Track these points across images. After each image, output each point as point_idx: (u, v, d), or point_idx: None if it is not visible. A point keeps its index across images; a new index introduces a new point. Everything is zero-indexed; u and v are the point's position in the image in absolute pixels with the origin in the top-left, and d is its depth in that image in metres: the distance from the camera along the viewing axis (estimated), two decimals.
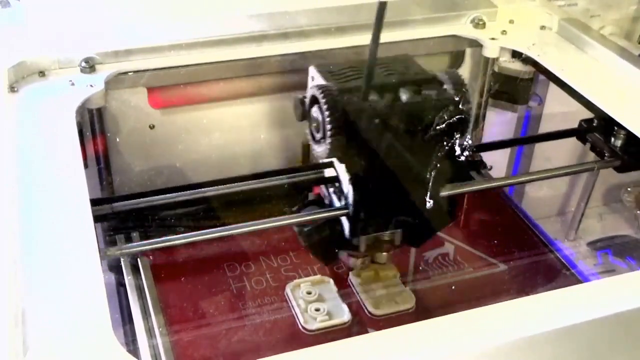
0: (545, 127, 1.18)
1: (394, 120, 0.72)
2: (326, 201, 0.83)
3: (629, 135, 0.87)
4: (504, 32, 1.00)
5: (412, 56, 0.83)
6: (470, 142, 0.92)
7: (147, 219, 0.87)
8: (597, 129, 0.95)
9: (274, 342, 0.79)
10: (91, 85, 0.83)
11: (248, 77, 0.95)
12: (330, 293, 0.85)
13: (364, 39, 0.94)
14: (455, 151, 0.76)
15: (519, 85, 1.03)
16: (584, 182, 1.23)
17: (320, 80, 0.77)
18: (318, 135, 0.74)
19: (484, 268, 0.90)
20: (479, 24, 1.00)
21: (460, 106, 0.74)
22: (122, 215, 0.91)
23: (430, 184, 0.76)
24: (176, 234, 0.86)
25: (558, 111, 1.15)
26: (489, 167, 1.03)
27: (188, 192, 0.82)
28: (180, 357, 0.75)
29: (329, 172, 0.82)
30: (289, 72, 0.95)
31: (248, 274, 0.88)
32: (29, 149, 0.72)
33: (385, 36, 0.95)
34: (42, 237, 0.61)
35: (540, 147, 1.20)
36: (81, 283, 0.57)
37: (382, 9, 0.69)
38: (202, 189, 0.82)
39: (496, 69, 1.03)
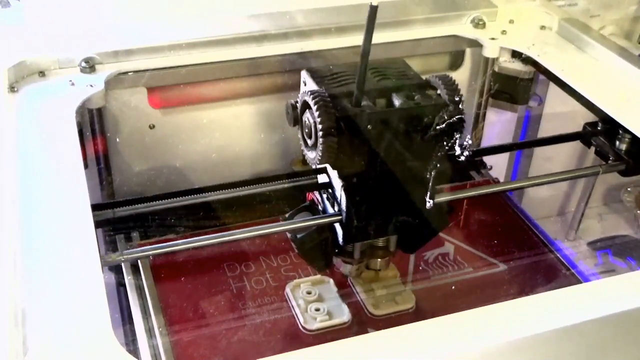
0: (545, 127, 1.17)
1: (386, 126, 0.72)
2: (319, 207, 0.82)
3: (634, 138, 0.86)
4: (504, 32, 1.00)
5: (405, 60, 0.82)
6: (470, 143, 0.92)
7: (147, 220, 0.87)
8: (602, 132, 0.95)
9: (274, 342, 0.79)
10: (91, 85, 0.83)
11: (248, 77, 0.95)
12: (330, 293, 0.85)
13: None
14: (450, 155, 0.75)
15: (519, 85, 1.03)
16: (584, 182, 1.24)
17: (312, 85, 0.76)
18: (310, 141, 0.73)
19: (484, 268, 0.90)
20: (479, 24, 1.00)
21: (453, 110, 0.73)
22: (122, 216, 0.91)
23: (424, 189, 0.76)
24: (175, 234, 0.86)
25: (558, 111, 1.15)
26: (489, 167, 1.03)
27: (180, 198, 0.82)
28: (180, 357, 0.75)
29: (322, 178, 0.81)
30: (289, 72, 0.95)
31: (248, 274, 0.88)
32: (29, 149, 0.72)
33: (386, 36, 0.96)
34: (42, 237, 0.61)
35: (541, 148, 1.20)
36: (81, 283, 0.57)
37: (373, 12, 0.69)
38: (195, 195, 0.83)
39: (496, 69, 1.03)
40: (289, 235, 0.80)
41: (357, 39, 0.95)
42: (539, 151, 1.21)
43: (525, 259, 0.94)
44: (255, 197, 0.85)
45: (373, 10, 0.68)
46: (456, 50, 1.04)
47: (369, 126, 0.70)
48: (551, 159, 1.22)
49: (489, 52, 0.99)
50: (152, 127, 0.93)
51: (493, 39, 0.99)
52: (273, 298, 0.85)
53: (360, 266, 0.83)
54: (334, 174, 0.77)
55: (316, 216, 0.80)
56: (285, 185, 0.85)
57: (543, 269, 0.93)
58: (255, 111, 0.98)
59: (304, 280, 0.86)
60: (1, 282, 0.56)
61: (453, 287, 0.86)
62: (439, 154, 0.74)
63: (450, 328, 0.55)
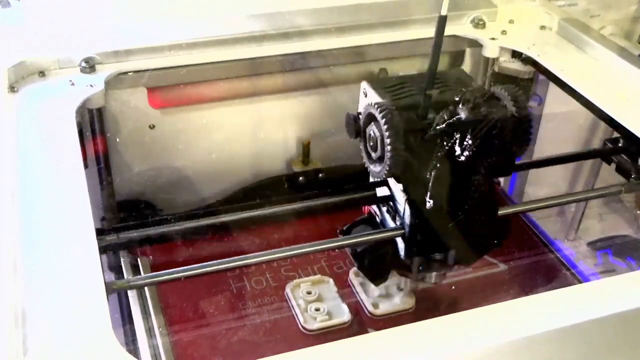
0: (545, 127, 1.17)
1: (452, 139, 0.69)
2: (377, 220, 0.80)
3: None
4: (504, 32, 1.00)
5: (465, 71, 0.81)
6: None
7: (147, 219, 0.87)
8: (623, 149, 0.92)
9: (274, 342, 0.79)
10: (91, 85, 0.83)
11: (248, 77, 0.95)
12: (330, 293, 0.85)
13: (364, 39, 0.96)
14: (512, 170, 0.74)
15: (519, 85, 1.03)
16: (585, 182, 1.24)
17: (375, 97, 0.75)
18: (375, 154, 0.71)
19: (484, 268, 0.90)
20: (479, 24, 1.00)
21: (521, 122, 0.71)
22: (122, 216, 0.91)
23: (487, 203, 0.74)
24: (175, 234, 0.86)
25: (558, 111, 1.15)
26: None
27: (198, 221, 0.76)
28: (180, 357, 0.75)
29: (381, 191, 0.79)
30: (289, 72, 0.95)
31: (248, 274, 0.88)
32: (29, 149, 0.72)
33: (386, 36, 0.96)
34: (42, 238, 0.61)
35: (540, 146, 1.19)
36: (81, 283, 0.57)
37: (442, 23, 0.66)
38: (242, 212, 0.77)
39: (496, 69, 1.03)
40: (348, 250, 0.79)
41: (357, 39, 0.96)
42: (538, 152, 1.21)
43: (525, 259, 0.94)
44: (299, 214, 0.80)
45: (442, 20, 0.67)
46: (456, 50, 1.04)
47: (438, 140, 0.69)
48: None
49: (489, 52, 0.99)
50: (152, 127, 0.93)
51: (493, 39, 0.99)
52: (273, 298, 0.85)
53: (417, 280, 0.81)
54: (396, 187, 0.75)
55: (378, 230, 0.78)
56: (345, 198, 0.81)
57: (543, 269, 0.94)
58: (255, 111, 0.98)
59: (304, 280, 0.86)
60: (1, 282, 0.56)
61: (453, 287, 0.86)
62: (508, 167, 0.73)
63: (450, 328, 0.55)
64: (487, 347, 0.54)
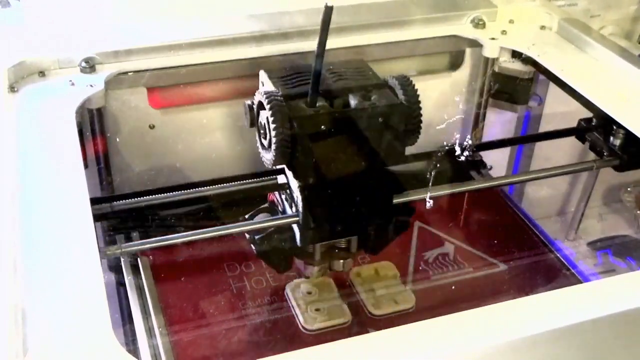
0: (545, 127, 1.17)
1: (340, 126, 0.71)
2: (279, 208, 0.81)
3: (628, 134, 0.86)
4: (504, 32, 1.00)
5: (366, 61, 0.82)
6: (470, 142, 0.92)
7: (147, 219, 0.87)
8: (596, 128, 0.95)
9: (274, 342, 0.79)
10: (91, 85, 0.83)
11: (248, 77, 0.95)
12: (330, 293, 0.85)
13: (364, 39, 0.96)
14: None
15: (519, 85, 1.03)
16: (584, 182, 1.24)
17: (269, 86, 0.76)
18: (265, 142, 0.73)
19: (484, 268, 0.90)
20: (479, 24, 1.00)
21: (408, 110, 0.73)
22: (122, 215, 0.91)
23: (380, 190, 0.75)
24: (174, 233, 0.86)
25: (558, 111, 1.15)
26: (489, 167, 1.03)
27: (167, 194, 0.84)
28: (180, 357, 0.75)
29: (282, 179, 0.80)
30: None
31: (248, 274, 0.88)
32: (29, 149, 0.72)
33: (386, 36, 0.96)
34: (42, 237, 0.61)
35: (540, 147, 1.20)
36: (81, 283, 0.57)
37: (328, 13, 0.68)
38: (176, 192, 0.84)
39: (496, 69, 1.03)
40: (247, 236, 0.79)
41: (357, 39, 0.96)
42: (538, 152, 1.21)
43: (525, 259, 0.94)
44: (223, 197, 0.85)
45: (328, 10, 0.68)
46: (456, 50, 1.04)
47: (322, 127, 0.70)
48: (550, 159, 1.22)
49: (489, 52, 0.99)
50: (152, 127, 0.93)
51: (493, 39, 0.99)
52: (273, 298, 0.85)
53: (322, 268, 0.82)
54: (290, 174, 0.76)
55: (274, 217, 0.79)
56: (246, 186, 0.85)
57: (543, 269, 0.94)
58: None
59: (304, 280, 0.86)
60: (1, 282, 0.56)
61: (453, 287, 0.86)
62: (397, 154, 0.74)
63: (450, 328, 0.55)
64: (487, 347, 0.54)
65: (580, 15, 1.05)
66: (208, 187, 0.87)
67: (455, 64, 1.06)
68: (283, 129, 0.69)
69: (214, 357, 0.77)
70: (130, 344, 0.72)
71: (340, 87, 0.75)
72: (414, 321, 0.55)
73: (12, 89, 0.81)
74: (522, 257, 0.93)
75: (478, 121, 1.10)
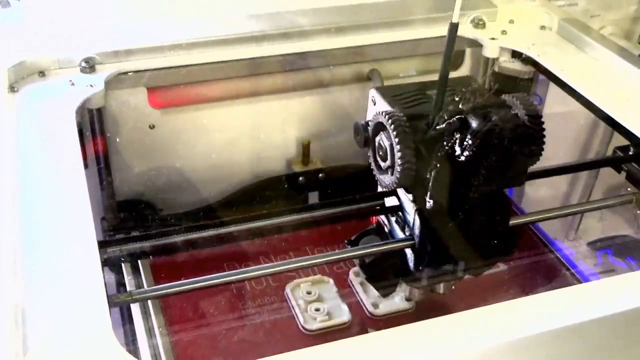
0: (545, 127, 1.17)
1: (463, 150, 0.67)
2: (386, 230, 0.79)
3: None
4: (504, 32, 1.00)
5: (474, 78, 0.79)
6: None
7: (147, 219, 0.87)
8: (634, 157, 0.90)
9: (274, 342, 0.79)
10: (91, 85, 0.83)
11: (248, 77, 0.95)
12: (330, 293, 0.85)
13: (364, 39, 0.96)
14: (523, 179, 0.71)
15: (519, 85, 1.03)
16: (584, 182, 1.23)
17: (384, 105, 0.73)
18: (384, 164, 0.70)
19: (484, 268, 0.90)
20: (479, 24, 1.00)
21: (533, 131, 0.69)
22: (122, 216, 0.92)
23: (498, 212, 0.72)
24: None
25: (558, 111, 1.15)
26: None
27: (201, 232, 0.75)
28: (180, 357, 0.75)
29: (389, 201, 0.78)
30: (289, 72, 0.95)
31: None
32: (29, 149, 0.72)
33: (386, 36, 0.96)
34: (42, 237, 0.61)
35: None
36: (81, 283, 0.57)
37: (453, 30, 0.65)
38: (215, 230, 0.75)
39: (496, 69, 1.03)
40: (356, 261, 0.78)
41: (358, 39, 0.96)
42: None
43: (525, 259, 0.94)
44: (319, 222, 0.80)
45: (453, 28, 0.65)
46: (456, 50, 1.04)
47: (446, 149, 0.67)
48: (551, 160, 1.22)
49: (489, 52, 0.99)
50: (152, 127, 0.93)
51: (493, 39, 0.99)
52: (273, 298, 0.85)
53: (426, 290, 0.81)
54: (405, 197, 0.74)
55: (387, 241, 0.77)
56: (353, 208, 0.80)
57: (543, 269, 0.93)
58: (255, 111, 0.98)
59: (304, 280, 0.86)
60: (1, 282, 0.56)
61: (453, 287, 0.86)
62: (519, 177, 0.71)
63: (450, 328, 0.55)
64: (487, 347, 0.54)
65: (580, 15, 1.05)
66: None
67: (455, 64, 1.06)
68: (409, 152, 0.66)
69: (214, 357, 0.77)
70: (130, 344, 0.72)
71: (459, 108, 0.70)
72: (414, 321, 0.55)
73: (12, 89, 0.81)
74: (522, 257, 0.93)
75: None
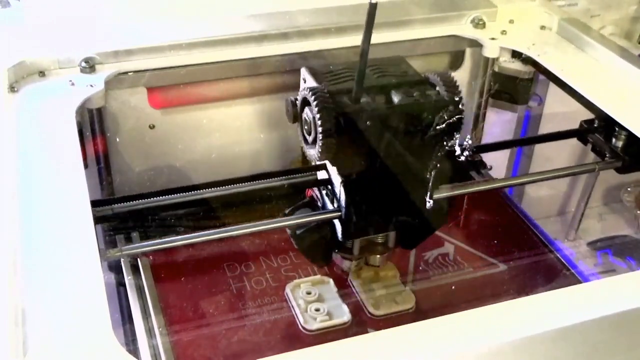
0: (545, 127, 1.18)
1: (385, 123, 0.72)
2: (319, 203, 0.82)
3: (630, 135, 0.87)
4: (504, 32, 1.00)
5: (405, 57, 0.82)
6: (470, 142, 0.92)
7: (147, 219, 0.87)
8: (598, 129, 0.95)
9: (274, 342, 0.79)
10: (91, 85, 0.83)
11: (248, 77, 0.95)
12: (330, 293, 0.84)
13: None
14: (448, 152, 0.75)
15: (519, 85, 1.03)
16: (584, 182, 1.24)
17: (312, 82, 0.77)
18: (310, 138, 0.73)
19: (484, 268, 0.90)
20: (479, 24, 1.00)
21: (453, 108, 0.73)
22: (122, 216, 0.91)
23: (423, 186, 0.76)
24: (176, 234, 0.86)
25: (558, 111, 1.15)
26: (489, 167, 1.03)
27: (181, 194, 0.82)
28: (180, 357, 0.75)
29: (321, 175, 0.82)
30: (289, 72, 0.95)
31: (248, 274, 0.88)
32: (29, 149, 0.72)
33: (385, 36, 0.96)
34: (42, 237, 0.61)
35: (541, 148, 1.20)
36: (81, 283, 0.57)
37: (372, 9, 0.69)
38: (195, 191, 0.82)
39: (496, 69, 1.03)
40: (288, 231, 0.81)
41: (357, 39, 0.95)
42: (539, 151, 1.21)
43: (525, 259, 0.94)
44: (255, 195, 0.85)
45: (372, 7, 0.68)
46: (456, 50, 1.04)
47: (368, 123, 0.71)
48: (551, 160, 1.22)
49: (489, 52, 0.99)
50: (152, 127, 0.93)
51: (493, 39, 0.99)
52: (273, 298, 0.85)
53: (359, 262, 0.84)
54: (333, 170, 0.77)
55: (316, 212, 0.80)
56: (285, 182, 0.85)
57: (543, 269, 0.93)
58: (255, 111, 0.98)
59: (304, 281, 0.86)
60: (1, 282, 0.56)
61: (453, 287, 0.86)
62: (438, 152, 0.74)
63: (450, 328, 0.55)
64: (487, 347, 0.54)
65: (580, 15, 1.05)
66: (212, 189, 0.85)
67: (455, 64, 1.06)
68: (330, 124, 0.70)
69: (214, 357, 0.77)
70: (130, 344, 0.72)
71: (382, 84, 0.75)
72: (414, 321, 0.55)
73: (12, 89, 0.81)
74: (522, 257, 0.93)
75: (478, 121, 1.10)
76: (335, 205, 0.78)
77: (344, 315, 0.82)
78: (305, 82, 0.79)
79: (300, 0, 0.96)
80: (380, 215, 0.77)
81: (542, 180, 0.94)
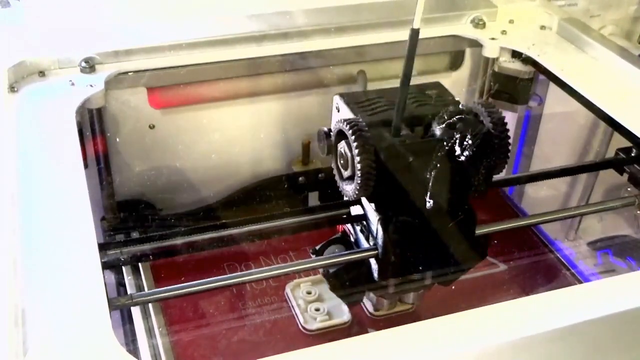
0: (545, 127, 1.17)
1: (427, 158, 0.66)
2: (351, 238, 0.77)
3: None
4: (504, 32, 1.00)
5: (442, 84, 0.78)
6: (470, 142, 0.90)
7: (147, 219, 0.87)
8: (636, 159, 0.90)
9: (274, 342, 0.79)
10: (91, 85, 0.83)
11: (248, 77, 0.95)
12: (330, 293, 0.84)
13: (364, 39, 0.96)
14: (487, 189, 0.70)
15: (519, 85, 1.03)
16: (584, 182, 1.23)
17: (347, 112, 0.72)
18: (346, 173, 0.69)
19: (484, 268, 0.90)
20: (479, 24, 1.00)
21: (498, 141, 0.68)
22: (122, 216, 0.92)
23: (465, 220, 0.71)
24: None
25: (558, 111, 1.15)
26: None
27: (205, 233, 0.77)
28: (180, 357, 0.75)
29: (355, 210, 0.77)
30: (289, 72, 0.95)
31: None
32: (29, 149, 0.72)
33: (385, 36, 0.96)
34: (42, 237, 0.61)
35: (540, 147, 1.19)
36: (81, 283, 0.57)
37: (415, 35, 0.64)
38: (219, 231, 0.77)
39: (496, 69, 1.03)
40: (321, 270, 0.76)
41: (357, 39, 0.96)
42: (538, 151, 1.21)
43: (525, 259, 0.94)
44: (283, 232, 0.80)
45: (415, 33, 0.64)
46: (456, 50, 1.04)
47: (409, 158, 0.66)
48: (550, 160, 1.22)
49: (489, 52, 0.99)
50: (152, 127, 0.93)
51: (493, 39, 0.99)
52: (273, 298, 0.85)
53: (394, 300, 0.80)
54: (369, 206, 0.72)
55: (351, 251, 0.75)
56: (315, 217, 0.81)
57: (543, 269, 0.94)
58: (255, 111, 0.98)
59: (304, 280, 0.86)
60: (1, 282, 0.56)
61: (453, 287, 0.86)
62: (481, 186, 0.69)
63: (450, 328, 0.55)
64: (487, 347, 0.54)
65: (580, 15, 1.05)
66: (236, 228, 0.80)
67: (455, 64, 1.06)
68: (370, 163, 0.65)
69: (214, 357, 0.77)
70: (130, 344, 0.72)
71: (421, 114, 0.70)
72: (414, 321, 0.55)
73: (12, 89, 0.81)
74: (522, 257, 0.93)
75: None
76: (371, 242, 0.73)
77: (343, 315, 0.82)
78: (338, 111, 0.74)
79: (300, 0, 0.96)
80: (419, 254, 0.71)
81: (582, 214, 0.90)
